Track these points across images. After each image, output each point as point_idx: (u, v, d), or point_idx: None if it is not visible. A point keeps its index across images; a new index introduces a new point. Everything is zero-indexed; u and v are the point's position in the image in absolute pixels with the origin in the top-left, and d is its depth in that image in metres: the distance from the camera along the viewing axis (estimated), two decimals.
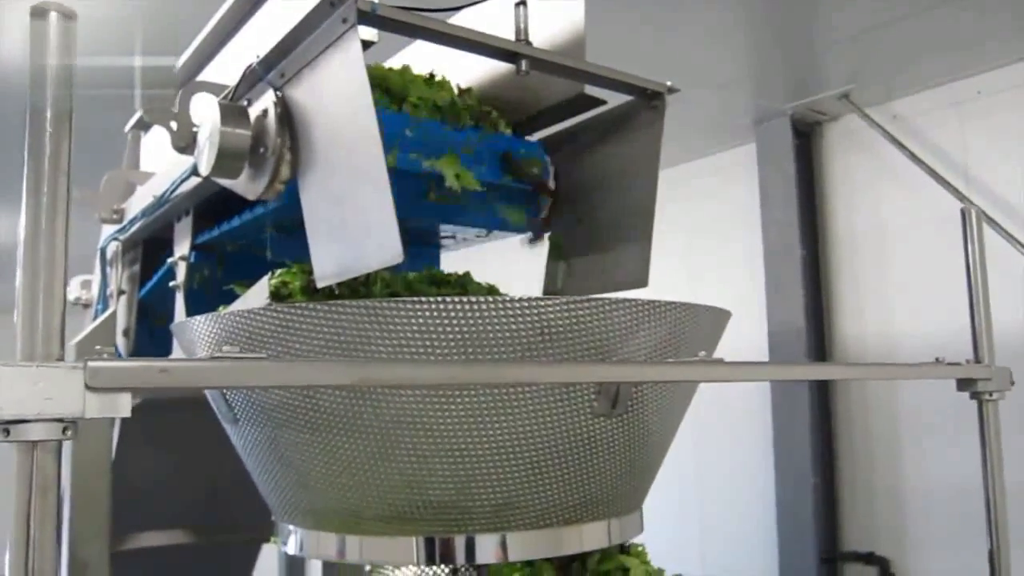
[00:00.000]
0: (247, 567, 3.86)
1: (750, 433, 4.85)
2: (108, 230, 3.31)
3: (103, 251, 3.35)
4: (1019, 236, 3.68)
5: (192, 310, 2.67)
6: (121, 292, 3.27)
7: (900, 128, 4.26)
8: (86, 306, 3.65)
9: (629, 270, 1.99)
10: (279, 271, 2.15)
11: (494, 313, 1.32)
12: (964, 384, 1.85)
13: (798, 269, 4.67)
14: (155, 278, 3.05)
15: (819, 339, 4.69)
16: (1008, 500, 2.04)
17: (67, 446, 2.72)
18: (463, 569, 2.03)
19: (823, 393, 4.72)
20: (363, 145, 1.47)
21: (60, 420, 0.79)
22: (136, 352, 3.19)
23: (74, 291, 3.66)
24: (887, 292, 4.44)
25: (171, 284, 2.67)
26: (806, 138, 4.82)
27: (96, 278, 3.66)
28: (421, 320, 1.31)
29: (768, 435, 4.78)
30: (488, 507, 1.47)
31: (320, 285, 1.65)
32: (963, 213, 1.95)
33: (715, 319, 1.64)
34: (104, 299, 3.39)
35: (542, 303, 1.35)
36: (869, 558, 4.60)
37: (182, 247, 2.63)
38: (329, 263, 1.64)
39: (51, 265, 0.81)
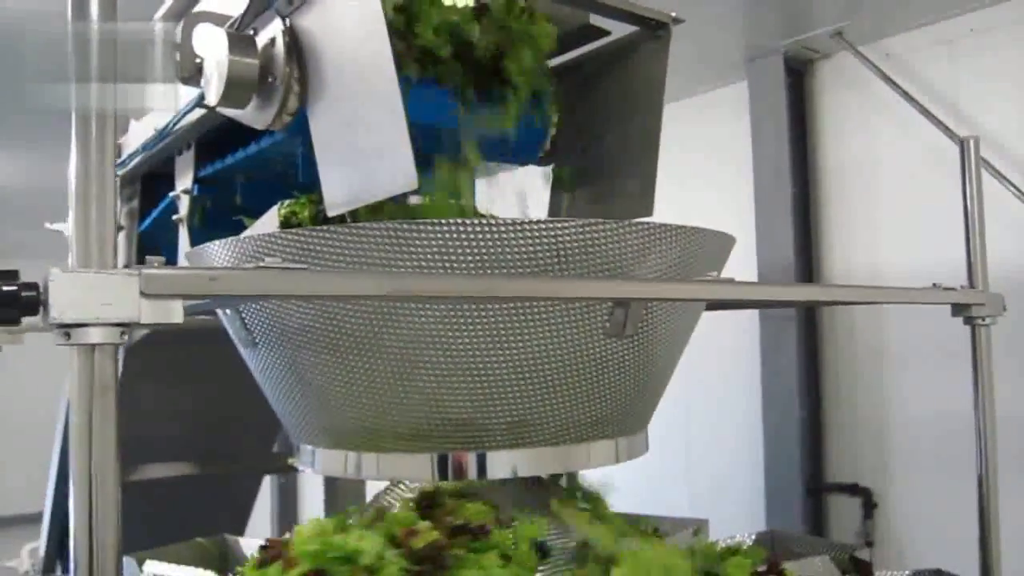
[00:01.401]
0: (250, 498, 3.95)
1: (738, 368, 4.94)
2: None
3: None
4: (1007, 174, 3.73)
5: (196, 243, 2.69)
6: (120, 227, 3.28)
7: (892, 66, 4.27)
8: None
9: (633, 200, 2.03)
10: (287, 201, 2.17)
11: (513, 235, 1.36)
12: (958, 309, 1.91)
13: (788, 206, 4.71)
14: (155, 212, 3.06)
15: (808, 275, 4.75)
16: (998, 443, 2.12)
17: (72, 380, 2.74)
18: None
19: (810, 329, 4.80)
20: (376, 71, 1.48)
21: (118, 325, 0.82)
22: None
23: (70, 228, 3.66)
24: (876, 229, 4.49)
25: (174, 217, 2.68)
26: (798, 76, 4.82)
27: None
28: (442, 241, 1.35)
29: (756, 370, 4.87)
30: (504, 424, 1.52)
31: (331, 214, 1.66)
32: (962, 143, 1.99)
33: (721, 243, 1.69)
34: None
35: (558, 225, 1.39)
36: (853, 489, 4.73)
37: (184, 180, 2.63)
38: (341, 191, 1.66)
39: (102, 177, 0.84)
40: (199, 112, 2.42)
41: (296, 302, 1.45)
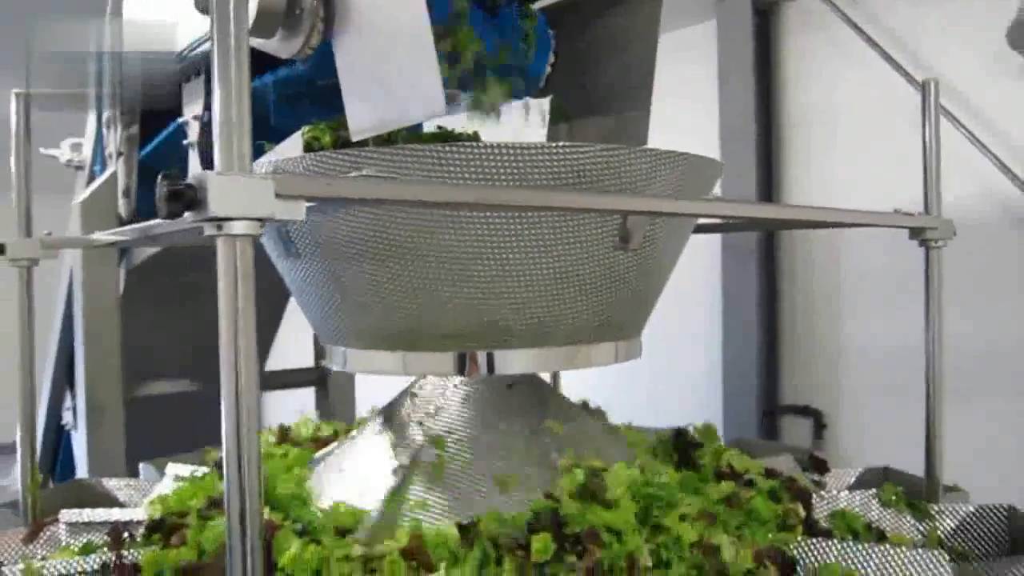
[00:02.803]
0: None
1: (701, 295, 5.19)
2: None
3: (99, 112, 3.43)
4: (964, 120, 3.97)
5: (207, 167, 2.83)
6: (120, 153, 3.38)
7: (857, 11, 4.46)
8: (78, 168, 3.75)
9: (628, 132, 2.22)
10: (308, 127, 2.33)
11: (540, 157, 1.55)
12: (915, 232, 2.15)
13: (752, 148, 4.92)
14: (158, 138, 3.16)
15: (772, 220, 5.02)
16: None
17: (78, 299, 2.89)
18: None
19: (770, 262, 5.07)
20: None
21: (258, 219, 1.00)
22: (139, 213, 3.34)
23: (65, 153, 3.74)
24: (834, 170, 4.73)
25: (185, 142, 2.80)
26: (765, 17, 5.00)
27: (88, 140, 3.74)
28: (479, 162, 1.53)
29: (718, 298, 5.14)
30: (526, 326, 1.74)
31: (355, 139, 1.81)
32: (923, 84, 2.21)
33: (713, 169, 1.90)
34: (102, 160, 3.50)
35: (580, 149, 1.58)
36: (805, 411, 5.06)
37: (194, 107, 2.74)
38: (366, 117, 1.81)
39: (240, 91, 1.01)
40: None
41: (348, 215, 1.63)
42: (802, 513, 1.95)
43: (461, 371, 1.84)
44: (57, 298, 3.94)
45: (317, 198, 1.08)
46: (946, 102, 3.94)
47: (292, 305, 4.55)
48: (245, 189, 0.99)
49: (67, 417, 4.32)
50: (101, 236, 2.25)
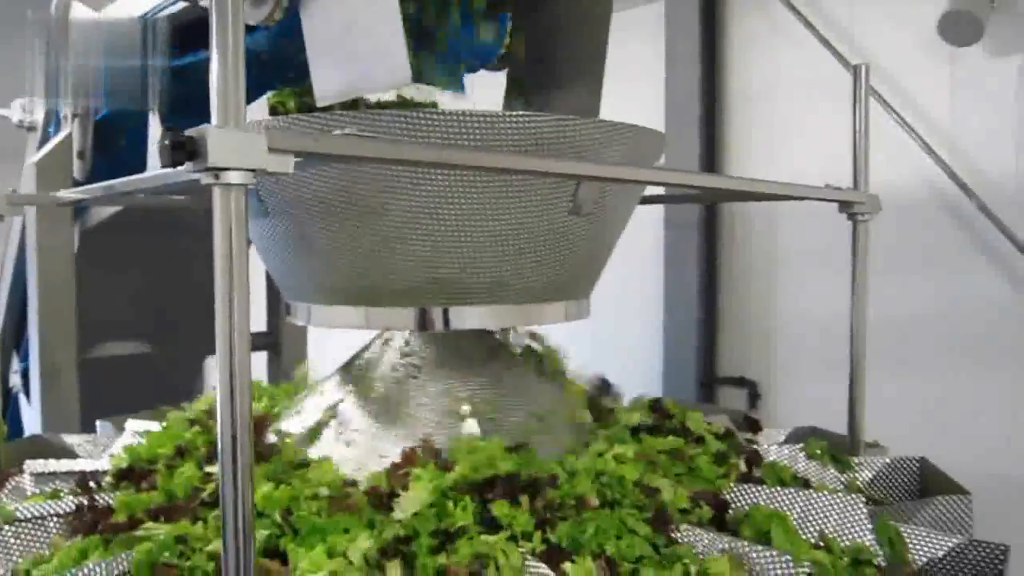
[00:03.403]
0: (193, 377, 4.19)
1: (644, 271, 5.36)
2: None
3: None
4: (895, 104, 4.18)
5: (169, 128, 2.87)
6: (75, 115, 3.39)
7: None
8: (30, 129, 3.73)
9: (581, 105, 2.34)
10: (273, 92, 2.40)
11: (502, 124, 1.66)
12: (844, 206, 2.31)
13: (696, 125, 5.10)
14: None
15: (720, 192, 5.19)
16: (868, 331, 2.53)
17: (32, 259, 2.92)
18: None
19: (710, 238, 5.25)
20: None
21: (250, 170, 1.09)
22: (93, 174, 3.36)
23: (16, 114, 3.72)
24: (772, 149, 4.92)
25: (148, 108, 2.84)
26: (711, 0, 5.15)
27: (39, 101, 3.72)
28: (443, 128, 1.64)
29: (660, 273, 5.32)
30: (481, 284, 1.85)
31: (320, 104, 1.90)
32: (855, 68, 2.36)
33: (659, 142, 2.03)
34: (57, 121, 3.50)
35: (539, 118, 1.70)
36: (741, 382, 5.28)
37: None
38: (332, 83, 1.89)
39: (236, 53, 1.10)
40: (179, 5, 2.60)
41: (316, 176, 1.72)
42: (743, 468, 2.11)
43: (421, 326, 1.95)
44: (4, 263, 3.94)
45: (305, 153, 1.18)
46: (880, 87, 4.15)
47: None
48: (240, 142, 1.08)
49: (14, 380, 4.32)
50: (66, 194, 2.30)
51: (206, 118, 2.53)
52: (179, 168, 1.08)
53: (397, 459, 1.80)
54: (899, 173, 4.18)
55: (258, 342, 4.18)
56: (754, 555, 1.58)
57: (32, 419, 3.87)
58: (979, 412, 4.04)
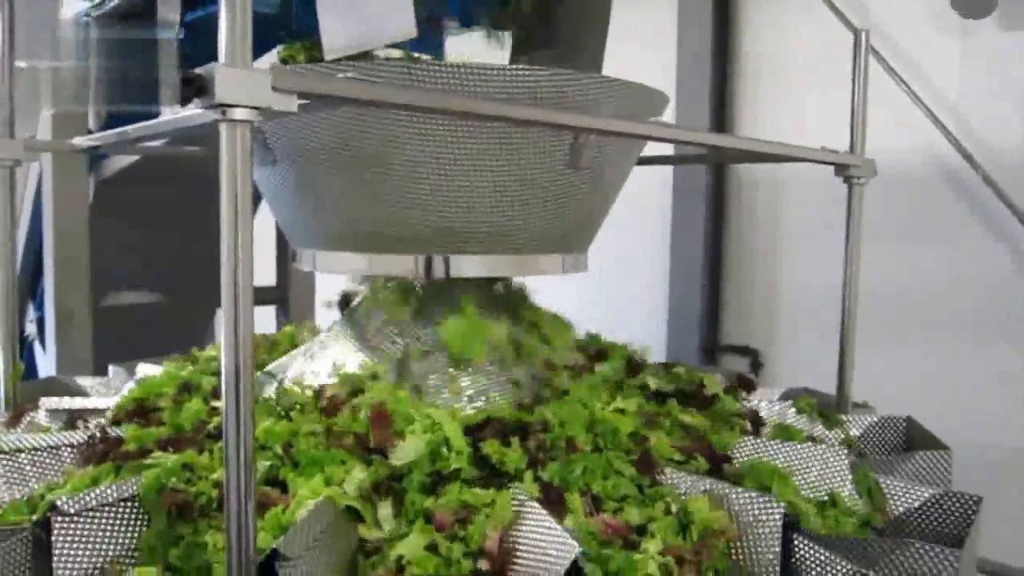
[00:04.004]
0: (202, 329, 4.28)
1: (651, 239, 5.41)
2: (77, 7, 3.44)
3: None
4: (900, 72, 4.19)
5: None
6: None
7: None
8: None
9: (584, 65, 2.38)
10: (283, 46, 2.45)
11: (502, 77, 1.72)
12: (840, 169, 2.35)
13: (706, 90, 5.12)
14: None
15: (720, 152, 5.23)
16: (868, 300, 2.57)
17: (48, 208, 3.00)
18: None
19: (716, 208, 5.29)
20: None
21: (255, 108, 1.15)
22: (109, 126, 3.43)
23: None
24: (783, 113, 4.93)
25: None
26: None
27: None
28: (447, 78, 1.69)
29: (666, 241, 5.37)
30: (480, 233, 1.91)
31: (328, 58, 1.96)
32: (856, 33, 2.40)
33: (659, 100, 2.07)
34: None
35: (538, 72, 1.75)
36: (744, 350, 5.34)
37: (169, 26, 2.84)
38: (340, 37, 1.95)
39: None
40: None
41: (322, 123, 1.78)
42: (748, 426, 2.17)
43: (425, 273, 2.00)
44: (19, 214, 4.02)
45: (308, 94, 1.23)
46: (890, 57, 4.17)
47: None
48: (246, 80, 1.14)
49: (30, 329, 4.43)
50: (81, 141, 2.36)
51: None
52: (188, 106, 1.14)
53: None
54: (906, 143, 4.20)
55: (266, 296, 4.27)
56: (733, 496, 1.65)
57: (47, 367, 3.97)
58: (977, 383, 4.09)
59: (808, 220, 4.78)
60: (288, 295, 4.03)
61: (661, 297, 5.48)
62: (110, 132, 2.35)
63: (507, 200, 1.88)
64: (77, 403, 2.32)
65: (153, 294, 3.83)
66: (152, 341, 3.48)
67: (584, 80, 1.81)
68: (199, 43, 2.82)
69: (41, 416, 2.29)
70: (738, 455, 1.98)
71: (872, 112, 2.51)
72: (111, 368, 2.93)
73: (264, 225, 4.54)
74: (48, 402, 2.31)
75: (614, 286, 5.61)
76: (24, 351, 4.56)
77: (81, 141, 2.39)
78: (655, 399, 2.17)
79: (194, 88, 1.11)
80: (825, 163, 2.32)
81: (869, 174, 2.40)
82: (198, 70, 1.14)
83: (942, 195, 4.18)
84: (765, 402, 2.45)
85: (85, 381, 2.75)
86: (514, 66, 1.74)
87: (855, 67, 2.43)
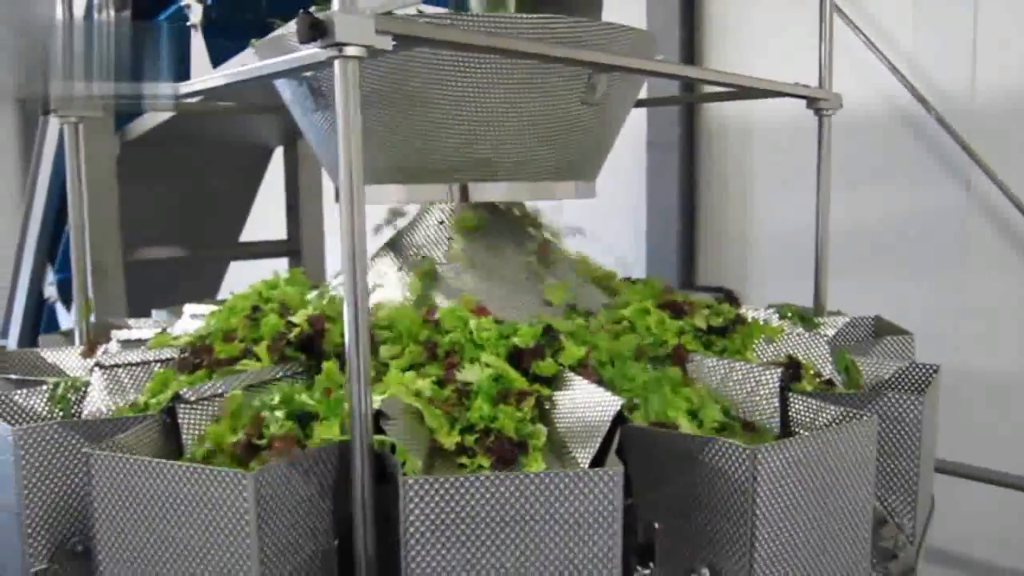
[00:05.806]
0: (218, 278, 4.55)
1: (628, 188, 5.73)
2: None
3: None
4: (858, 22, 4.52)
5: (212, 45, 3.20)
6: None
7: None
8: None
9: (585, 12, 2.68)
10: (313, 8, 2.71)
11: (526, 25, 2.02)
12: (811, 103, 2.69)
13: (676, 51, 5.43)
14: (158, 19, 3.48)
15: (689, 112, 5.56)
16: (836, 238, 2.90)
17: (75, 171, 3.22)
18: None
19: (689, 156, 5.63)
20: None
21: (364, 46, 1.45)
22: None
23: None
24: (750, 59, 5.24)
25: (188, 24, 3.15)
26: None
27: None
28: (492, 26, 1.99)
29: (643, 187, 5.70)
30: (509, 163, 2.22)
31: None
32: None
33: (652, 42, 2.39)
34: None
35: (557, 20, 2.06)
36: (719, 291, 5.69)
37: None
38: None
39: None
40: None
41: (371, 71, 2.06)
42: None
43: (457, 199, 2.30)
44: (39, 179, 4.24)
45: (400, 36, 1.53)
46: (848, 9, 4.50)
47: (265, 187, 4.93)
48: (357, 24, 1.44)
49: (49, 292, 4.65)
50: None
51: (243, 36, 2.81)
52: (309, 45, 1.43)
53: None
54: (866, 91, 4.55)
55: (278, 249, 4.54)
56: (737, 366, 1.99)
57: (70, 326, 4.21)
58: (936, 311, 4.45)
59: (775, 166, 5.13)
60: (301, 248, 4.30)
61: (639, 241, 5.82)
62: (219, 74, 2.54)
63: (532, 133, 2.18)
64: (147, 333, 2.59)
65: (176, 248, 4.08)
66: (176, 293, 3.74)
67: (596, 25, 2.12)
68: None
69: (113, 347, 2.56)
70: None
71: (835, 62, 2.85)
72: (154, 312, 3.20)
73: (274, 182, 4.78)
74: (119, 334, 2.59)
75: (596, 234, 5.94)
76: (44, 316, 4.79)
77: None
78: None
79: (317, 30, 1.41)
80: (799, 96, 2.65)
81: (836, 106, 2.74)
82: (319, 15, 1.43)
83: (900, 137, 4.55)
84: (752, 311, 2.80)
85: (135, 322, 3.02)
86: (539, 15, 2.04)
87: (821, 8, 2.76)
